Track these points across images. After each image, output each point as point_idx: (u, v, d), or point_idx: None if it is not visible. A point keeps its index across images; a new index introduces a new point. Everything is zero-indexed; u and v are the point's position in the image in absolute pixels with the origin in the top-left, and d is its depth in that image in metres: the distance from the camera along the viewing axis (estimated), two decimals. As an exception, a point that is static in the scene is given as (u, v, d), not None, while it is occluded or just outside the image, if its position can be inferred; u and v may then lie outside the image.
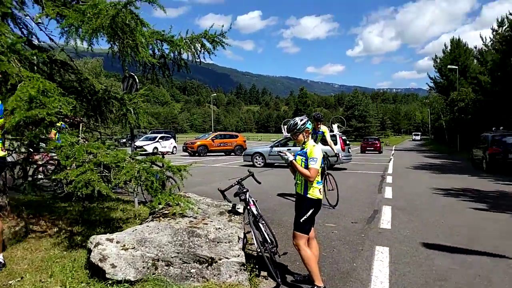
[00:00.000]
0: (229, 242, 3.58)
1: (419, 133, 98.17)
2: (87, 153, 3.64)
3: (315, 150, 3.37)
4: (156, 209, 4.22)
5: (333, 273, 3.88)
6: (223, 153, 24.96)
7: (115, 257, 3.23)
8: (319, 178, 3.44)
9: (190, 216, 3.97)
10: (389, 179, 12.09)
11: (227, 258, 3.46)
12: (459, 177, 13.20)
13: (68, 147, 3.59)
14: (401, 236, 5.27)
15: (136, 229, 3.64)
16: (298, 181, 3.51)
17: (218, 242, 3.55)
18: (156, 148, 24.70)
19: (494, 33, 29.87)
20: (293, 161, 3.42)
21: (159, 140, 26.37)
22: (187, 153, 24.31)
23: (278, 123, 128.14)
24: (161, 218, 3.96)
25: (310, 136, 3.51)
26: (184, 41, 4.66)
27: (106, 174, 3.69)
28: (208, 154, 24.05)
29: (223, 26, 4.73)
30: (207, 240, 3.55)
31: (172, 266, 3.33)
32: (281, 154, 3.52)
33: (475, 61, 37.91)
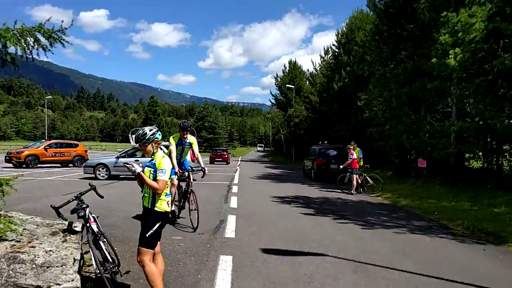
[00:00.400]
0: (62, 266, 3.20)
1: (263, 145, 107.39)
2: None
3: (164, 162, 3.34)
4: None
5: (178, 287, 3.86)
6: (59, 165, 22.05)
7: None
8: (167, 190, 3.40)
9: (12, 240, 3.38)
10: (235, 189, 12.80)
11: (58, 284, 3.07)
12: (293, 186, 14.96)
13: None
14: (243, 244, 5.63)
15: None
16: (145, 194, 3.40)
17: (48, 267, 3.13)
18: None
19: (321, 59, 35.24)
20: (141, 173, 3.30)
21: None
22: (11, 164, 20.54)
23: (125, 131, 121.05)
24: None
25: (159, 147, 3.46)
26: (11, 32, 3.97)
27: None
28: (39, 165, 20.85)
29: (62, 21, 4.23)
30: (34, 266, 3.09)
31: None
32: (128, 165, 3.37)
33: (307, 82, 43.85)
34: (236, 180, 16.35)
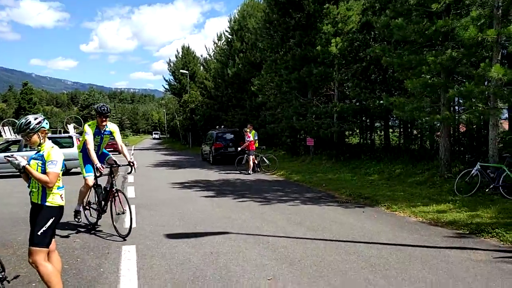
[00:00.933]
0: None
1: (158, 132, 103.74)
2: None
3: (54, 152, 3.07)
4: None
5: (78, 284, 3.62)
6: None
7: None
8: (60, 183, 3.15)
9: None
10: (131, 179, 12.23)
11: None
12: (192, 171, 14.96)
13: None
14: (146, 232, 5.50)
15: None
16: (33, 189, 3.09)
17: None
18: None
19: (215, 45, 35.25)
20: (27, 166, 2.98)
21: None
22: None
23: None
24: None
25: (46, 136, 3.15)
26: None
27: None
28: None
29: None
30: None
31: None
32: (10, 159, 3.00)
33: (201, 67, 43.51)
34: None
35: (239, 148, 13.85)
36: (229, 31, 30.14)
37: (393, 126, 15.83)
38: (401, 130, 15.38)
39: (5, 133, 23.54)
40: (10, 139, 17.64)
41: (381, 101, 12.15)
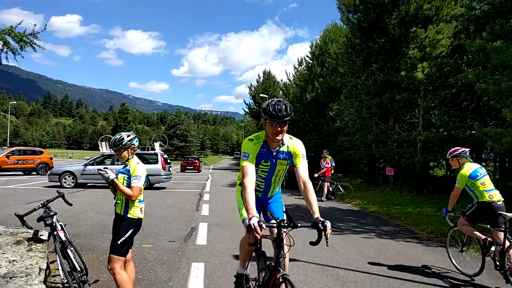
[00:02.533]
0: (26, 276, 3.06)
1: (239, 152, 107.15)
2: None
3: (138, 168, 3.30)
4: None
5: (149, 295, 3.78)
6: (21, 172, 21.12)
7: None
8: (141, 197, 3.35)
9: (-28, 249, 3.21)
10: (206, 197, 12.70)
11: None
12: (266, 194, 14.98)
13: None
14: (215, 250, 5.59)
15: None
16: (118, 201, 3.33)
17: (11, 278, 2.99)
18: None
19: (295, 70, 35.79)
20: (115, 179, 3.24)
21: None
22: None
23: (94, 139, 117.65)
24: None
25: (134, 153, 3.41)
26: (-24, 35, 3.83)
27: None
28: (0, 173, 19.89)
29: (35, 25, 4.12)
30: (-4, 276, 2.94)
31: None
32: (101, 172, 3.29)
33: (281, 92, 44.29)
34: (207, 188, 16.22)
35: (315, 175, 13.27)
36: (310, 56, 30.38)
37: (486, 160, 14.26)
38: (496, 164, 13.78)
39: (101, 148, 26.25)
40: (105, 153, 19.64)
41: (473, 131, 11.07)
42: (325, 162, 12.93)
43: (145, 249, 5.53)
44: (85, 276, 3.58)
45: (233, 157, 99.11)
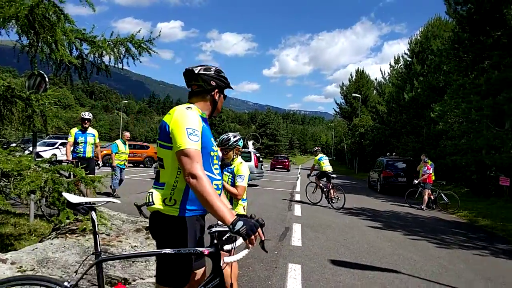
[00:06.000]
0: (145, 262, 3.38)
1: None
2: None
3: (242, 168, 3.42)
4: (62, 225, 3.80)
5: (250, 291, 3.89)
6: (131, 165, 23.63)
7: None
8: (245, 196, 3.47)
9: (103, 233, 3.65)
10: (297, 197, 12.71)
11: (142, 279, 3.25)
12: (358, 197, 14.46)
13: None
14: (311, 253, 5.54)
15: (36, 247, 3.22)
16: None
17: (133, 262, 3.32)
18: (55, 155, 22.29)
19: (391, 68, 33.88)
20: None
21: (59, 147, 23.88)
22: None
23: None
24: (67, 234, 3.57)
25: (239, 153, 3.54)
26: (107, 43, 4.37)
27: (5, 183, 3.21)
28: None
29: (151, 32, 4.56)
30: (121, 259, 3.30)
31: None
32: None
33: (375, 91, 42.38)
34: (298, 188, 16.21)
35: (415, 181, 12.25)
36: (408, 53, 28.45)
37: None
38: None
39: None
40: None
41: None
42: (426, 167, 11.91)
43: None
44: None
45: None
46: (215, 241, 1.92)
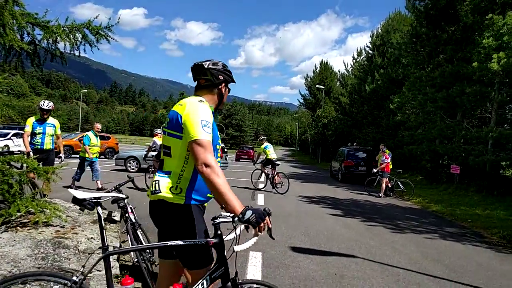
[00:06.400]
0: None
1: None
2: None
3: None
4: (13, 218, 3.64)
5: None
6: (92, 155, 22.86)
7: (-45, 276, 2.68)
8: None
9: (57, 225, 3.55)
10: (261, 186, 12.85)
11: (98, 270, 3.19)
12: (320, 186, 14.84)
13: None
14: (272, 241, 5.64)
15: (-16, 242, 3.08)
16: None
17: (89, 254, 3.26)
18: (7, 146, 21.10)
19: (354, 61, 34.70)
20: None
21: (12, 138, 22.61)
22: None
23: (154, 126, 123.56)
24: (18, 228, 3.43)
25: None
26: (62, 28, 4.17)
27: None
28: (73, 155, 21.68)
29: (110, 18, 4.41)
30: (77, 251, 3.23)
31: (29, 284, 2.92)
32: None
33: (338, 83, 43.27)
34: (262, 178, 16.37)
35: (374, 170, 12.84)
36: (370, 46, 29.27)
37: None
38: None
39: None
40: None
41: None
42: (384, 157, 12.42)
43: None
44: (152, 257, 3.81)
45: (287, 148, 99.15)
46: (219, 232, 2.03)
